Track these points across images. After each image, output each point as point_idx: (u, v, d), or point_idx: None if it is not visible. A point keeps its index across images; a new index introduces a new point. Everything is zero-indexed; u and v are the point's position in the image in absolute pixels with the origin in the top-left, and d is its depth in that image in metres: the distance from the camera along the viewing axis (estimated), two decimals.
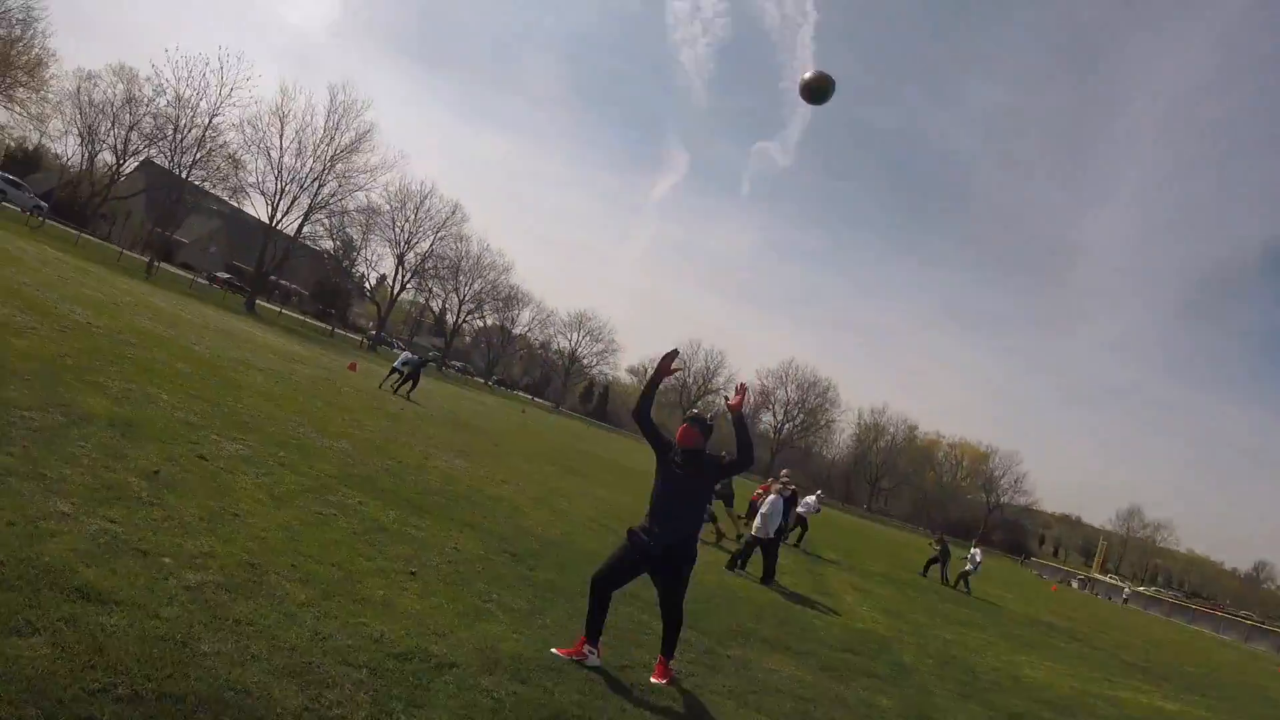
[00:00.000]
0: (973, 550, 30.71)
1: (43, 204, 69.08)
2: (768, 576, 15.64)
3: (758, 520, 16.22)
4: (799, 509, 24.84)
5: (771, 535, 16.10)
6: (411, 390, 31.90)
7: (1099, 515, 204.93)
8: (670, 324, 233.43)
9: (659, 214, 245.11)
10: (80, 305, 19.53)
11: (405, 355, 34.24)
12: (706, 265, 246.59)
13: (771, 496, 16.55)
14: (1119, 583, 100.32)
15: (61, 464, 7.19)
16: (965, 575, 28.96)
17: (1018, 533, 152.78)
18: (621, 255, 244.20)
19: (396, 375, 31.68)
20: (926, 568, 30.64)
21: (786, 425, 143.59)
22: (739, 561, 16.05)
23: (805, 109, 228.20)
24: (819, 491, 31.75)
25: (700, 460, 7.39)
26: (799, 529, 25.25)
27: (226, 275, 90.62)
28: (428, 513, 11.11)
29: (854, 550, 28.55)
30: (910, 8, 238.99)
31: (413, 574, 7.94)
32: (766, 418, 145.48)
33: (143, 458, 8.40)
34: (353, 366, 39.07)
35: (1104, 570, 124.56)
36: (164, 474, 8.09)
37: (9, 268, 22.10)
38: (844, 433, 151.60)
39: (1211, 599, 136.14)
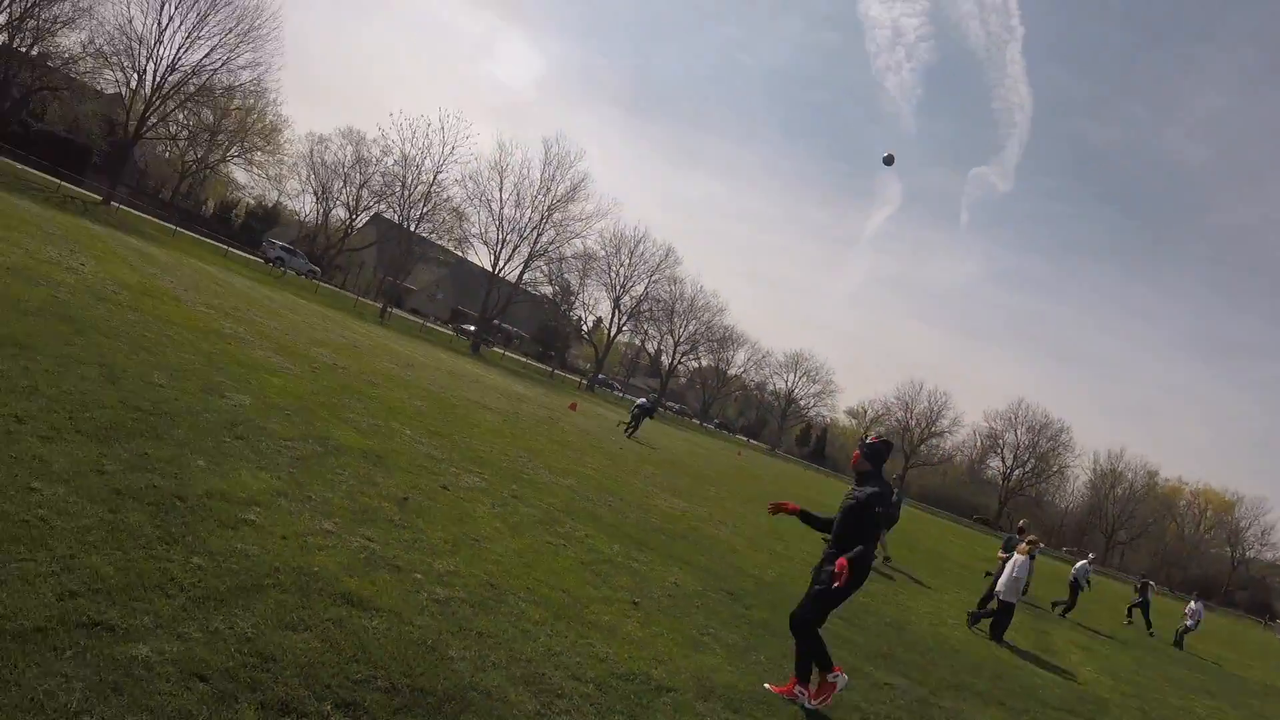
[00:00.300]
0: (1192, 604, 28.30)
1: (316, 269, 74.82)
2: (998, 635, 15.23)
3: (1006, 582, 15.66)
4: (1072, 577, 24.27)
5: (1018, 598, 15.62)
6: (632, 432, 32.90)
7: None
8: (888, 362, 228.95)
9: (873, 247, 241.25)
10: (326, 348, 21.16)
11: (641, 401, 35.72)
12: (924, 298, 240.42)
13: (1020, 559, 15.93)
14: None
15: (323, 488, 7.98)
16: (1182, 632, 27.03)
17: (1263, 591, 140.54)
18: (836, 291, 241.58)
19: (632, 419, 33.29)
20: (1130, 611, 29.20)
21: (1016, 471, 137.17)
22: (977, 619, 15.67)
23: (1023, 129, 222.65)
24: (1090, 555, 30.30)
25: (863, 483, 7.54)
26: (1068, 603, 24.24)
27: (467, 326, 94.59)
28: (649, 548, 11.52)
29: (1085, 608, 27.32)
30: (1120, 15, 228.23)
31: (635, 603, 8.32)
32: (994, 463, 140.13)
33: (392, 485, 9.17)
34: (573, 406, 40.29)
35: None
36: (412, 501, 8.82)
37: (258, 313, 24.04)
38: (1077, 479, 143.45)
39: None
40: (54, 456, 6.11)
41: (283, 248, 79.36)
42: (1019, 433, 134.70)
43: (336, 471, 8.85)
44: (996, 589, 15.53)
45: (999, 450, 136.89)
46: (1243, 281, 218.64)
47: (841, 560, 6.84)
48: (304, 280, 68.49)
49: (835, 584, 6.84)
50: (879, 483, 7.46)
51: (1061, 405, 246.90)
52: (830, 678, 7.20)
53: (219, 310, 20.40)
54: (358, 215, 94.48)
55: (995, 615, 15.28)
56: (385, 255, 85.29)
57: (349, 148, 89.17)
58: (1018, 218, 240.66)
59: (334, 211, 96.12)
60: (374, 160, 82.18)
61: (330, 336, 25.88)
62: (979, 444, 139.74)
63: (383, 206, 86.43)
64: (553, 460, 16.83)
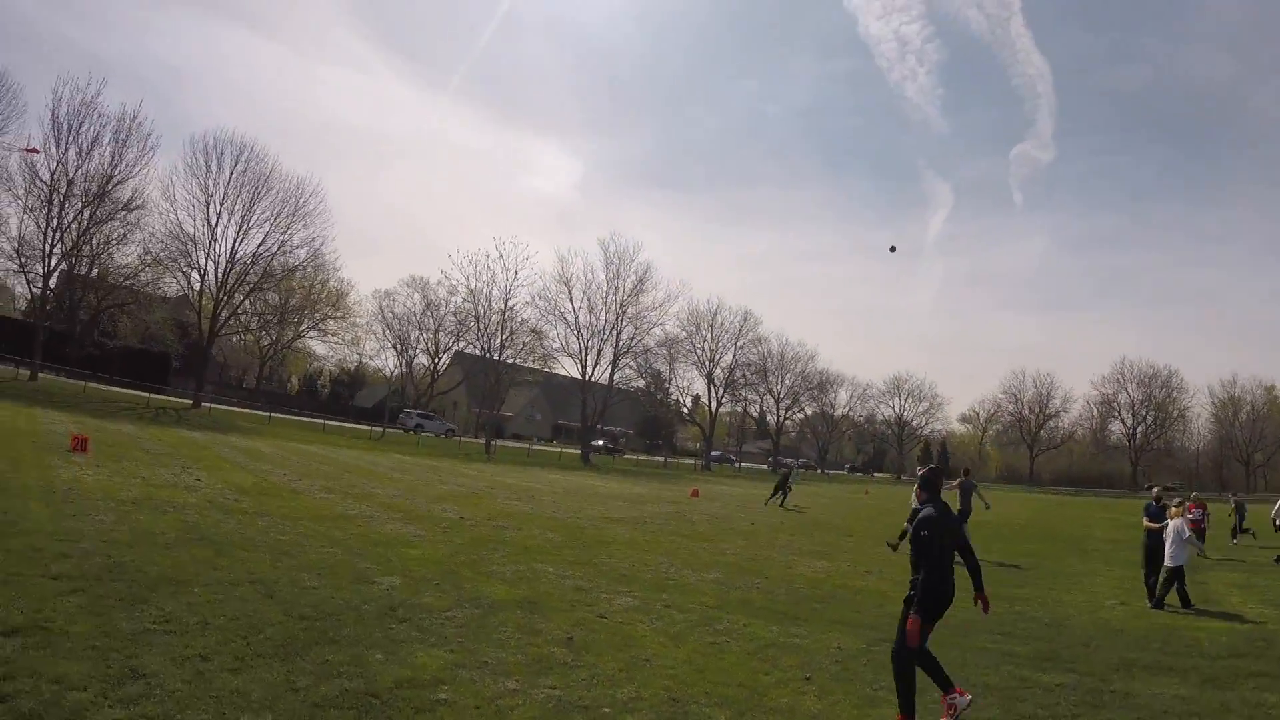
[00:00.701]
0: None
1: (452, 427, 77.06)
2: (1185, 602, 15.07)
3: (1172, 551, 15.51)
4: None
5: (1183, 562, 15.44)
6: (784, 500, 32.86)
7: None
8: (986, 359, 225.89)
9: (940, 251, 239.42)
10: (447, 503, 21.94)
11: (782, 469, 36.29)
12: (1003, 286, 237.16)
13: (1175, 523, 15.75)
14: None
15: (494, 649, 8.42)
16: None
17: None
18: (915, 306, 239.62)
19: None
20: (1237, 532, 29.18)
21: (1138, 428, 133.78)
22: (1159, 601, 15.51)
23: (1049, 97, 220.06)
24: None
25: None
26: None
27: (600, 442, 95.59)
28: (804, 620, 11.76)
29: (1236, 544, 26.62)
30: None
31: (807, 679, 8.56)
32: (1115, 427, 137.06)
33: (554, 628, 9.59)
34: (694, 493, 40.48)
35: None
36: (576, 639, 9.21)
37: (373, 483, 24.91)
38: (1199, 418, 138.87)
39: None
40: (248, 686, 6.59)
41: (420, 415, 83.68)
42: (1130, 390, 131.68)
43: (499, 629, 9.28)
44: (1166, 561, 15.36)
45: (1116, 413, 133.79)
46: None
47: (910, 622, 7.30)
48: (406, 435, 70.12)
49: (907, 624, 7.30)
50: (933, 505, 7.71)
51: (1165, 352, 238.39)
52: (950, 699, 7.37)
53: (337, 492, 21.30)
54: (439, 358, 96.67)
55: (1165, 583, 15.19)
56: (475, 390, 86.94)
57: (415, 295, 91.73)
58: (1070, 182, 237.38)
59: (416, 360, 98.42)
60: (443, 302, 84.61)
61: (447, 489, 26.74)
62: (1095, 413, 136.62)
63: (462, 344, 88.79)
64: (692, 557, 17.16)
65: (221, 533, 13.21)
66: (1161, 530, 15.79)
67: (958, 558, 7.74)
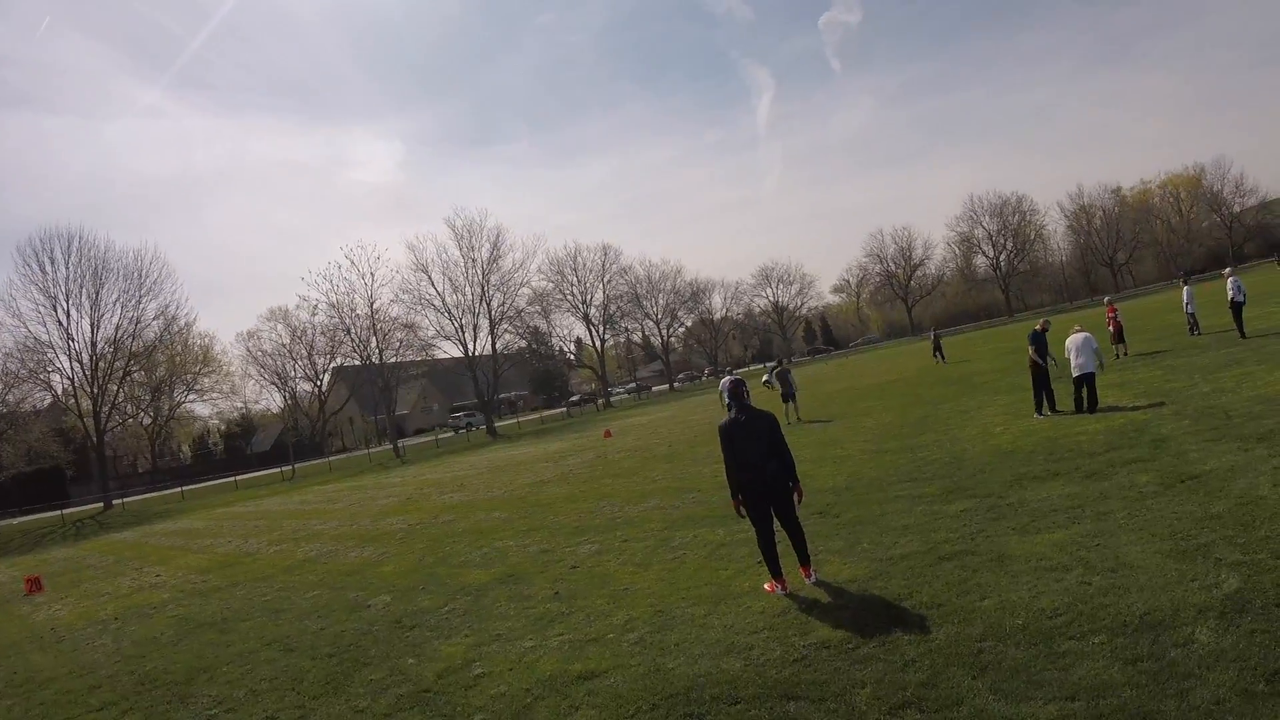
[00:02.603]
0: (1229, 280, 25.30)
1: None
2: (1093, 405, 16.72)
3: (1079, 360, 16.78)
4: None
5: (1092, 369, 16.82)
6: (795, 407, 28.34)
7: None
8: (841, 227, 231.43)
9: (775, 134, 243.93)
10: (390, 516, 23.20)
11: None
12: (843, 154, 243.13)
13: (1076, 337, 16.98)
14: None
15: (500, 622, 9.89)
16: (1236, 310, 24.64)
17: (1266, 233, 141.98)
18: (763, 193, 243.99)
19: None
20: (1192, 327, 27.91)
21: (1000, 256, 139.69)
22: (1075, 404, 17.03)
23: None
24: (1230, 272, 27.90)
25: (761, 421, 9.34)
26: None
27: (457, 416, 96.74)
28: (735, 518, 13.35)
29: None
30: None
31: (759, 562, 9.97)
32: (979, 260, 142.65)
33: (539, 590, 11.11)
34: (607, 434, 41.90)
35: None
36: (561, 592, 10.74)
37: (315, 520, 25.96)
38: (1056, 233, 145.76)
39: None
40: None
41: (465, 415, 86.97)
42: (985, 223, 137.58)
43: (496, 606, 10.72)
44: (1074, 372, 16.93)
45: (977, 247, 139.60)
46: None
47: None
48: (317, 466, 70.09)
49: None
50: (733, 412, 9.35)
51: (1010, 180, 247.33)
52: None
53: (287, 541, 22.47)
54: (321, 380, 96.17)
55: (1077, 392, 17.01)
56: (365, 400, 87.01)
57: (279, 327, 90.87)
58: (883, 38, 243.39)
59: (299, 389, 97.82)
60: (308, 325, 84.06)
61: (381, 504, 27.94)
62: (957, 253, 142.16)
63: (339, 360, 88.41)
64: (628, 493, 18.69)
65: (212, 613, 14.27)
66: (1044, 361, 17.51)
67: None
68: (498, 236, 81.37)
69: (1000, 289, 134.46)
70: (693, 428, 34.58)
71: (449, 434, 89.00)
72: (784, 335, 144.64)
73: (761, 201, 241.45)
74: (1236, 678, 5.18)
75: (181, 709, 9.14)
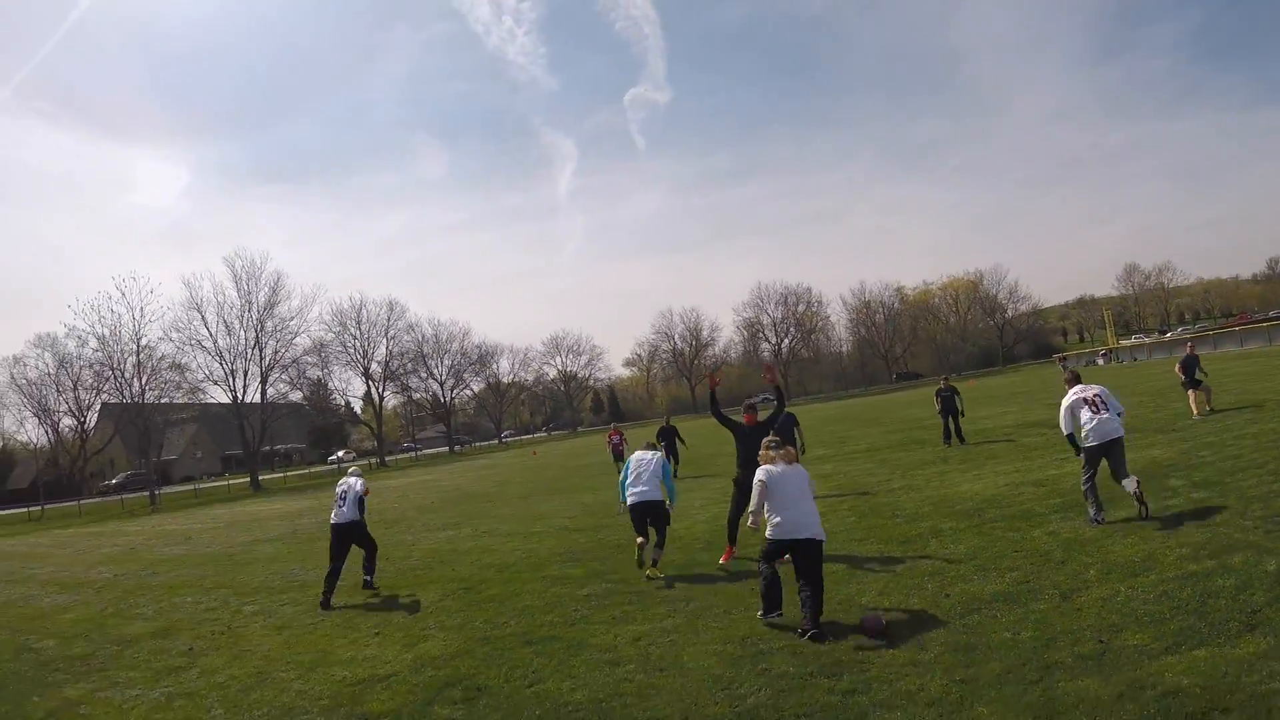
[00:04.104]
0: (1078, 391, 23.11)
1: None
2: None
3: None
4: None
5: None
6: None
7: (1106, 285, 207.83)
8: (635, 303, 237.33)
9: (573, 206, 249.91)
10: (104, 565, 23.49)
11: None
12: (639, 232, 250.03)
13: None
14: (1142, 342, 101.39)
15: (127, 670, 10.87)
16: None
17: (1037, 338, 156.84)
18: (559, 263, 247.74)
19: None
20: (945, 433, 25.65)
21: (784, 342, 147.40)
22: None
23: (655, 38, 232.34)
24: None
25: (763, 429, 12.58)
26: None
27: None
28: (414, 585, 14.89)
29: (845, 436, 30.47)
30: None
31: (377, 634, 11.58)
32: (763, 346, 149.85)
33: (179, 645, 12.08)
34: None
35: (1129, 334, 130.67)
36: (195, 648, 11.78)
37: (36, 564, 26.07)
38: (840, 324, 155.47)
39: (1238, 314, 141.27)
40: None
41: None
42: (771, 310, 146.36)
43: (134, 656, 11.68)
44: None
45: (762, 333, 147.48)
46: (909, 91, 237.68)
47: None
48: (69, 508, 67.30)
49: None
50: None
51: (802, 272, 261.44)
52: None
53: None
54: (86, 416, 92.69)
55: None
56: (130, 441, 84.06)
57: (46, 355, 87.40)
58: (687, 120, 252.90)
59: (62, 422, 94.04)
60: (75, 357, 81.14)
61: (105, 552, 28.05)
62: (743, 336, 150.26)
63: (105, 396, 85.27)
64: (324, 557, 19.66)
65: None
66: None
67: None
68: (277, 280, 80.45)
69: (781, 372, 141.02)
70: (443, 492, 35.83)
71: (211, 480, 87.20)
72: (571, 404, 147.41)
73: (557, 271, 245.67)
74: None
75: None
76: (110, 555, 26.55)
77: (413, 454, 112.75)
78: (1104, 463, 11.91)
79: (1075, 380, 12.88)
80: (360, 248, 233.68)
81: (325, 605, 13.53)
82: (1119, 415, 12.18)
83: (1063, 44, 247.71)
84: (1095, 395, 12.18)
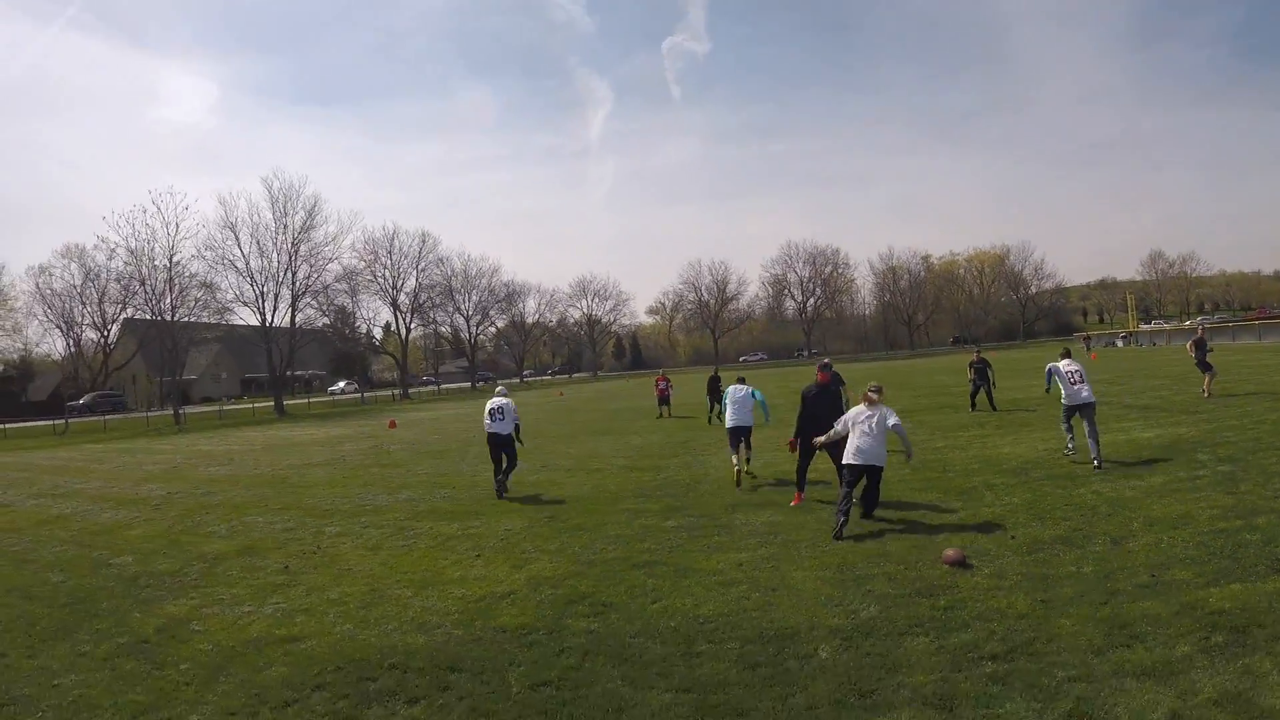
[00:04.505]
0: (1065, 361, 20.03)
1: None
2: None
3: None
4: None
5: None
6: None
7: (1129, 269, 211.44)
8: (661, 252, 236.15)
9: (605, 150, 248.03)
10: (151, 483, 23.43)
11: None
12: (669, 181, 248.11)
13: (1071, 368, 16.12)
14: (1162, 327, 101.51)
15: (226, 587, 10.74)
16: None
17: (1059, 316, 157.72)
18: (590, 206, 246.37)
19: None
20: (972, 401, 26.24)
21: (809, 302, 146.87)
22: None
23: None
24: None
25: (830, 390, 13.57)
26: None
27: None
28: (481, 515, 14.72)
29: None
30: None
31: (477, 555, 11.53)
32: (788, 304, 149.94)
33: (272, 564, 11.97)
34: (392, 424, 42.50)
35: (1149, 320, 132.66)
36: (291, 566, 11.65)
37: (77, 479, 25.95)
38: (864, 287, 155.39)
39: (1257, 308, 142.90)
40: (49, 663, 8.61)
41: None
42: (799, 269, 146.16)
43: (226, 574, 11.53)
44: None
45: (788, 291, 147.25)
46: (947, 59, 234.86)
47: None
48: (95, 421, 67.58)
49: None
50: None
51: (829, 232, 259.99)
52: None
53: (46, 496, 22.48)
54: (109, 330, 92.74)
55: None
56: (153, 358, 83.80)
57: (73, 266, 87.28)
58: (725, 73, 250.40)
59: (84, 336, 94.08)
60: (103, 269, 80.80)
61: (146, 470, 27.92)
62: (769, 293, 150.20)
63: (130, 311, 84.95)
64: (386, 483, 19.74)
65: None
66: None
67: None
68: (314, 205, 78.75)
69: (804, 330, 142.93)
70: (475, 427, 35.61)
71: (231, 403, 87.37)
72: (594, 349, 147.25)
73: (587, 215, 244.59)
74: (834, 690, 6.29)
75: None
76: (153, 473, 26.39)
77: (434, 388, 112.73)
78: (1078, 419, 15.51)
79: (1066, 355, 16.60)
80: (388, 176, 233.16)
81: (499, 494, 16.44)
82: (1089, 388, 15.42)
83: (1106, 25, 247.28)
84: (1075, 371, 15.56)
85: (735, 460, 16.03)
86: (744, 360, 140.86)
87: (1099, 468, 14.24)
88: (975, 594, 8.21)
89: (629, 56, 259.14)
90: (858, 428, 11.90)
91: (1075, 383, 15.26)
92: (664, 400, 35.08)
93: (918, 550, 10.04)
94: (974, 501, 12.74)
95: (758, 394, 16.89)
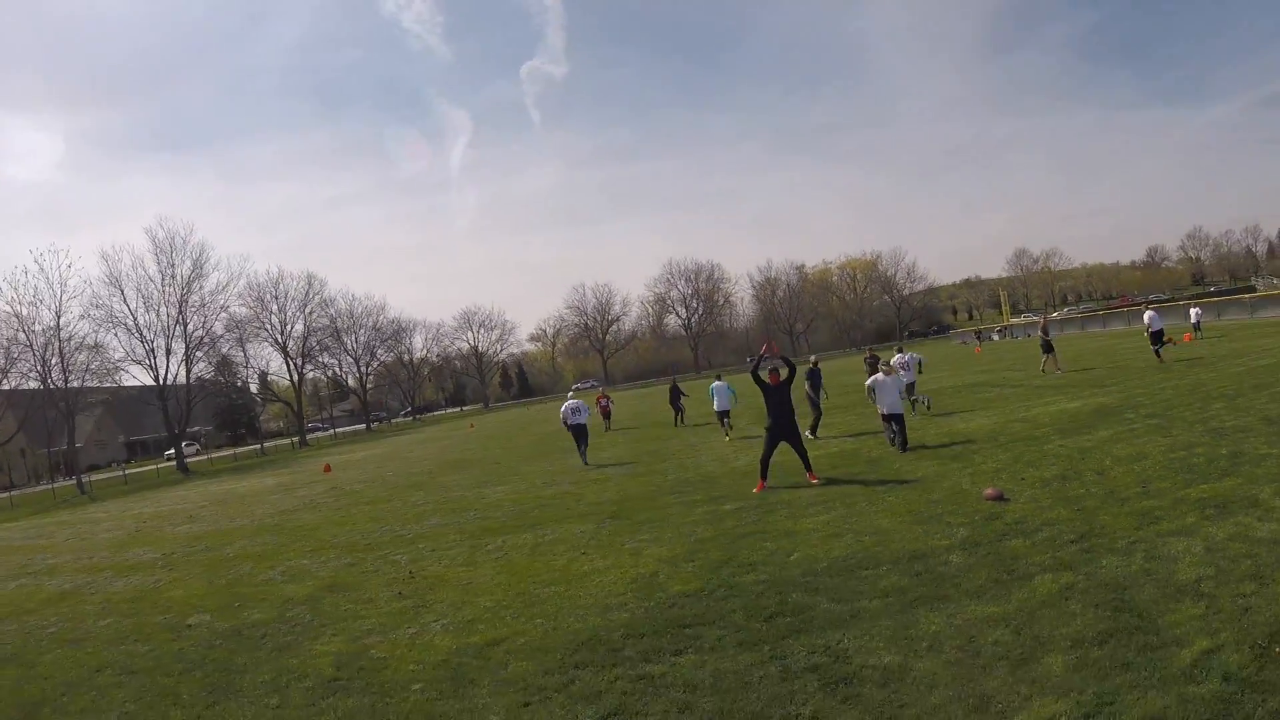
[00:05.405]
0: (899, 355, 26.47)
1: None
2: (903, 445, 18.04)
3: (888, 399, 18.67)
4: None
5: (899, 410, 18.55)
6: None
7: (994, 267, 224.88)
8: (536, 278, 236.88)
9: (467, 180, 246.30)
10: (130, 548, 22.25)
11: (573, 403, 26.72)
12: (536, 206, 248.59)
13: (881, 377, 18.87)
14: (1033, 319, 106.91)
15: (359, 621, 10.75)
16: (912, 398, 25.10)
17: (931, 316, 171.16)
18: (455, 237, 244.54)
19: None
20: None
21: (692, 318, 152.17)
22: (903, 443, 18.10)
23: (557, 10, 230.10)
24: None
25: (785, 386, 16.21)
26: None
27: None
28: (539, 525, 15.07)
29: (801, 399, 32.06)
30: None
31: (583, 553, 11.90)
32: (671, 320, 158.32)
33: (378, 594, 12.00)
34: (327, 468, 42.07)
35: (1018, 314, 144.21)
36: (404, 592, 11.72)
37: (44, 554, 24.80)
38: (744, 300, 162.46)
39: (1119, 296, 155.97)
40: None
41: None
42: (680, 286, 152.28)
43: (339, 609, 11.50)
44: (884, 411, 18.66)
45: (671, 308, 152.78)
46: (808, 76, 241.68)
47: None
48: (4, 498, 64.52)
49: None
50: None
51: (705, 249, 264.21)
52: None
53: (26, 574, 20.77)
54: None
55: (888, 430, 18.67)
56: (36, 430, 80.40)
57: None
58: (584, 97, 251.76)
59: None
60: None
61: (104, 537, 26.49)
62: (651, 312, 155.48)
63: (11, 382, 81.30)
64: (398, 516, 19.71)
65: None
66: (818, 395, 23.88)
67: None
68: (201, 253, 77.56)
69: (690, 346, 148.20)
70: (424, 462, 35.54)
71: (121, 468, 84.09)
72: (483, 380, 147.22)
73: (458, 248, 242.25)
74: (990, 573, 8.56)
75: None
76: (118, 539, 24.68)
77: (331, 433, 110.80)
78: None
79: (884, 364, 21.43)
80: (248, 220, 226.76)
81: (585, 462, 23.74)
82: (900, 390, 19.07)
83: (958, 38, 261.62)
84: (901, 368, 22.48)
85: (726, 433, 25.82)
86: (779, 362, 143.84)
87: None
88: (1028, 512, 10.86)
89: (488, 83, 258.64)
90: (885, 390, 18.42)
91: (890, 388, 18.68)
92: (606, 414, 38.98)
93: (958, 496, 12.56)
94: (969, 463, 15.29)
95: (731, 388, 27.43)
